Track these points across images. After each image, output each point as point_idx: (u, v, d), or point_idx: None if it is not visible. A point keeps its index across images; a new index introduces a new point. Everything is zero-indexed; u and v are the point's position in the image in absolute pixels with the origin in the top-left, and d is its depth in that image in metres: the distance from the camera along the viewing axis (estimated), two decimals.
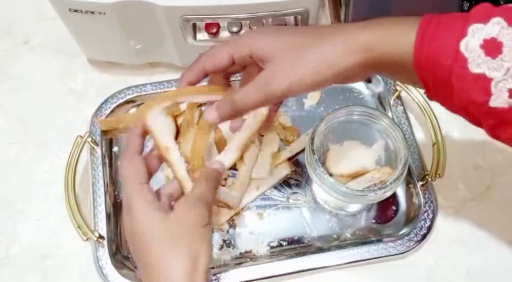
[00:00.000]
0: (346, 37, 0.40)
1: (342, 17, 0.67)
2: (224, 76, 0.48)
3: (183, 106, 0.65)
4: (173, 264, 0.39)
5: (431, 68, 0.37)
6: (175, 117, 0.64)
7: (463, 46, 0.35)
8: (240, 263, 0.57)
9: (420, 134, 0.62)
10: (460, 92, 0.36)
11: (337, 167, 0.53)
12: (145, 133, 0.47)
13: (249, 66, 0.46)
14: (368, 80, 0.67)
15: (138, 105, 0.67)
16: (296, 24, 0.61)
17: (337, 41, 0.40)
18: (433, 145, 0.59)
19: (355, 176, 0.53)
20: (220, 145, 0.62)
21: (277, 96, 0.41)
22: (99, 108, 0.64)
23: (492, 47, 0.34)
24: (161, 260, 0.40)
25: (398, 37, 0.39)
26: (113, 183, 0.62)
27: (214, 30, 0.60)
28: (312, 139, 0.51)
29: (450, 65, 0.36)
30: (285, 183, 0.61)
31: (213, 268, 0.56)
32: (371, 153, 0.54)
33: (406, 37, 0.39)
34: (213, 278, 0.55)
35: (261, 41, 0.42)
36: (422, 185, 0.58)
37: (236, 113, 0.43)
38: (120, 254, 0.58)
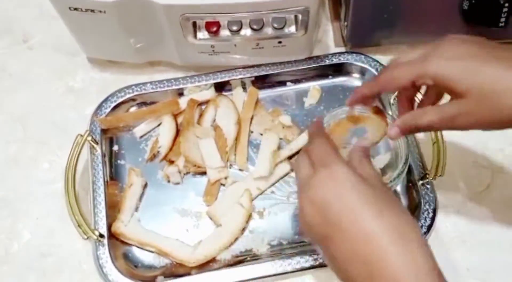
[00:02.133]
0: None
1: (342, 16, 0.67)
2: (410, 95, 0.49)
3: (183, 106, 0.65)
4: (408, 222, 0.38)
5: None
6: (175, 117, 0.65)
7: None
8: (240, 262, 0.57)
9: (420, 133, 0.62)
10: None
11: None
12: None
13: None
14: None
15: (138, 104, 0.67)
16: (296, 23, 0.61)
17: None
18: (433, 144, 0.59)
19: None
20: (220, 143, 0.62)
21: (459, 129, 0.42)
22: (99, 107, 0.64)
23: None
24: (397, 220, 0.37)
25: None
26: (114, 181, 0.62)
27: (215, 29, 0.60)
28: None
29: None
30: (285, 181, 0.61)
31: (213, 266, 0.56)
32: (374, 163, 0.54)
33: None
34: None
35: (448, 71, 0.40)
36: (422, 184, 0.58)
37: (413, 131, 0.46)
38: (120, 253, 0.58)
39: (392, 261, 0.35)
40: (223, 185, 0.61)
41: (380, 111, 0.51)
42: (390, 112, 0.63)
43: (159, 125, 0.65)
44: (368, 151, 0.46)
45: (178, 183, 0.61)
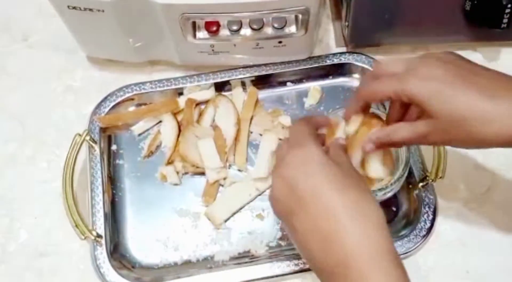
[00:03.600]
0: None
1: (343, 16, 0.67)
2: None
3: (182, 104, 0.65)
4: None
5: None
6: (175, 115, 0.64)
7: None
8: (238, 263, 0.56)
9: None
10: None
11: None
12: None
13: None
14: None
15: (137, 104, 0.66)
16: (296, 23, 0.60)
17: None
18: (434, 146, 0.59)
19: None
20: (219, 144, 0.61)
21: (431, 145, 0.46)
22: (98, 106, 0.64)
23: None
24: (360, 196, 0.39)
25: None
26: (112, 181, 0.62)
27: (214, 29, 0.60)
28: None
29: None
30: None
31: (211, 267, 0.56)
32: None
33: None
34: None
35: (422, 92, 0.41)
36: (423, 186, 0.58)
37: (388, 145, 0.47)
38: (118, 253, 0.57)
39: (348, 238, 0.37)
40: (222, 185, 0.61)
41: (377, 117, 0.51)
42: None
43: (157, 123, 0.65)
44: (345, 147, 0.47)
45: (176, 184, 0.61)
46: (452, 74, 0.41)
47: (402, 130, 0.44)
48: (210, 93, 0.66)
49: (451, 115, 0.40)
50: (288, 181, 0.40)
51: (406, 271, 0.37)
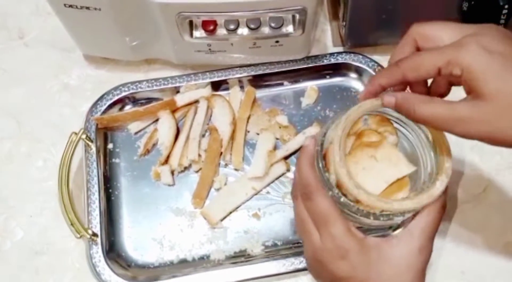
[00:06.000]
0: None
1: (340, 16, 0.67)
2: (423, 83, 0.42)
3: (180, 102, 0.65)
4: None
5: None
6: (173, 113, 0.64)
7: None
8: (234, 263, 0.56)
9: None
10: None
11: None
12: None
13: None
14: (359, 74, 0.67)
15: (134, 102, 0.66)
16: (294, 22, 0.60)
17: None
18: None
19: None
20: (215, 146, 0.61)
21: (462, 137, 0.35)
22: (94, 105, 0.64)
23: None
24: None
25: None
26: (108, 180, 0.62)
27: (211, 28, 0.59)
28: (322, 145, 0.42)
29: None
30: (281, 182, 0.61)
31: (207, 267, 0.56)
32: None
33: None
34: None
35: (485, 65, 0.33)
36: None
37: (407, 114, 0.38)
38: (114, 252, 0.57)
39: None
40: (216, 189, 0.61)
41: (386, 120, 0.45)
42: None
43: (154, 121, 0.65)
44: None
45: (169, 184, 0.61)
46: (498, 53, 0.34)
47: (437, 104, 0.35)
48: (207, 91, 0.65)
49: (510, 97, 0.32)
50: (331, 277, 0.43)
51: None
